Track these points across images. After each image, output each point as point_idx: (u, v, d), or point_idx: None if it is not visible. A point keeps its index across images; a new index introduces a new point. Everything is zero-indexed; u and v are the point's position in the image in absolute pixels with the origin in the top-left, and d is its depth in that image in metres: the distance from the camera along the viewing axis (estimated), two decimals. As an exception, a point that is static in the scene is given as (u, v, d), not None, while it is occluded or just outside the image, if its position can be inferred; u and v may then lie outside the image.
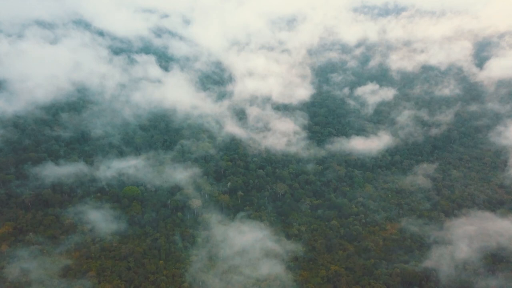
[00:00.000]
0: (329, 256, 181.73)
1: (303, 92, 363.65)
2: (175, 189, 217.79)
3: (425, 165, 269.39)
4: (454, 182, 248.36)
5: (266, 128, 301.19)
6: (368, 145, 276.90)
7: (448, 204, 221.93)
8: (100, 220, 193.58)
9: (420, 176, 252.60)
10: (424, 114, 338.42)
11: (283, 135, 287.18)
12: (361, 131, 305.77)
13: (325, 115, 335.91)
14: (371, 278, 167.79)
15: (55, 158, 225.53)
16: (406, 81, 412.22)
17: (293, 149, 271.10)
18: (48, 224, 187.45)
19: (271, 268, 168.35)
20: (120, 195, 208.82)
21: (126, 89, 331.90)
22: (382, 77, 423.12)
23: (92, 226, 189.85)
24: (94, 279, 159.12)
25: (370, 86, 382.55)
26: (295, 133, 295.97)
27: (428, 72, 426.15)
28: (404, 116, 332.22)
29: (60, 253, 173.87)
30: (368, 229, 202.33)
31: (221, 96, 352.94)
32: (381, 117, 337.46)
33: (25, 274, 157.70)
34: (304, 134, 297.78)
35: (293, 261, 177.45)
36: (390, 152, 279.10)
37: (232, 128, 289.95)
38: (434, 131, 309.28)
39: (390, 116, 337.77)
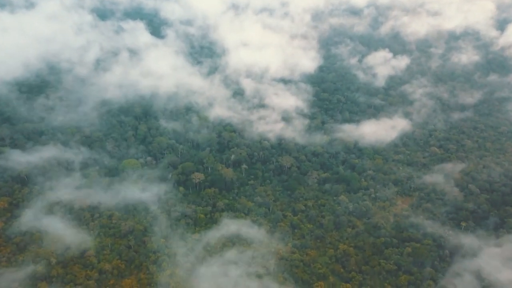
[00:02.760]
0: (337, 234, 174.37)
1: (307, 62, 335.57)
2: (177, 162, 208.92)
3: (437, 134, 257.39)
4: (468, 153, 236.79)
5: (266, 106, 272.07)
6: (379, 134, 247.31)
7: (462, 177, 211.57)
8: (99, 194, 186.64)
9: (433, 148, 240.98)
10: (442, 92, 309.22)
11: (285, 120, 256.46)
12: (371, 112, 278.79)
13: (334, 81, 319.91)
14: (381, 258, 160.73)
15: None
16: (420, 47, 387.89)
17: (291, 135, 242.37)
18: (46, 199, 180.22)
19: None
20: (120, 169, 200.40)
21: (107, 65, 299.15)
22: (393, 39, 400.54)
23: (90, 201, 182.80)
24: (93, 258, 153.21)
25: (381, 53, 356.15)
26: (298, 112, 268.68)
27: (444, 38, 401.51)
28: (419, 93, 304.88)
29: (58, 230, 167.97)
30: (378, 205, 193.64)
31: (214, 70, 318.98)
32: (393, 94, 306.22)
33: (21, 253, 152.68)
34: (308, 109, 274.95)
35: (300, 239, 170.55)
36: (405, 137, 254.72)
37: (226, 109, 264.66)
38: (456, 116, 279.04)
39: (403, 93, 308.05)
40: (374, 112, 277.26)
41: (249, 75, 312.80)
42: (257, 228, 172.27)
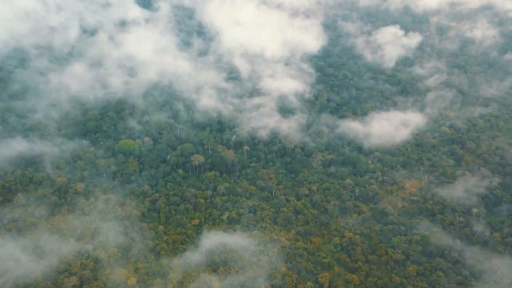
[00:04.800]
0: (343, 220, 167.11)
1: (310, 42, 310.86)
2: (175, 142, 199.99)
3: (447, 112, 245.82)
4: (480, 134, 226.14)
5: (262, 93, 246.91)
6: (390, 131, 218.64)
7: (474, 159, 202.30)
8: (95, 177, 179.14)
9: (443, 127, 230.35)
10: (460, 81, 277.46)
11: (283, 111, 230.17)
12: (378, 88, 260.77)
13: (340, 55, 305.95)
14: (388, 246, 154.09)
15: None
16: (432, 22, 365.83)
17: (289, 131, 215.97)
18: (39, 182, 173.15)
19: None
20: (116, 150, 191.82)
21: (88, 46, 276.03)
22: (403, 13, 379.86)
23: (86, 184, 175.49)
24: (88, 246, 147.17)
25: (391, 29, 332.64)
26: (299, 96, 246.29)
27: (458, 11, 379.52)
28: (433, 80, 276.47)
29: (52, 215, 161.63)
30: (385, 189, 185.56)
31: (204, 52, 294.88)
32: (404, 74, 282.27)
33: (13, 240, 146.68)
34: (311, 91, 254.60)
35: (304, 225, 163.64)
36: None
37: (216, 97, 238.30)
38: (477, 112, 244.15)
39: (415, 75, 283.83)
40: (382, 90, 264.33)
41: (244, 57, 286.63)
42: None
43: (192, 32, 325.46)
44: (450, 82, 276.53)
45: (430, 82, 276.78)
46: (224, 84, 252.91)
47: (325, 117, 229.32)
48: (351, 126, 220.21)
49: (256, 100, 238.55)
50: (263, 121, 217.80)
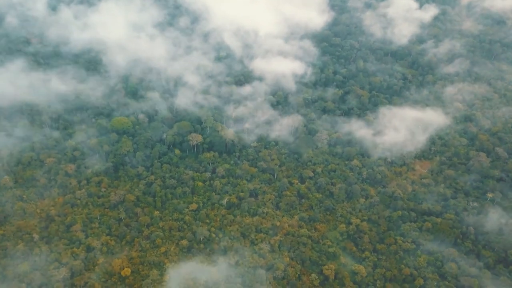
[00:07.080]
0: (349, 205, 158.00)
1: (313, 17, 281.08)
2: (171, 120, 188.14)
3: (460, 87, 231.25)
4: (495, 110, 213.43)
5: (258, 77, 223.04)
6: (403, 138, 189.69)
7: (488, 138, 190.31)
8: (86, 158, 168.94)
9: (456, 103, 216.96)
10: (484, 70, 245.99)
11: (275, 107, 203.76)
12: (389, 76, 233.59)
13: (346, 24, 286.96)
14: (397, 234, 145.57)
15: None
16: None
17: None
18: (27, 163, 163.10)
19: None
20: (108, 128, 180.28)
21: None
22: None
23: (77, 165, 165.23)
24: (80, 233, 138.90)
25: (403, 1, 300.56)
26: (297, 80, 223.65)
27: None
28: (453, 67, 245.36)
29: (41, 198, 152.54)
30: (394, 170, 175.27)
31: (189, 32, 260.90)
32: (416, 51, 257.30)
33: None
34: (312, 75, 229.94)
35: (308, 210, 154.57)
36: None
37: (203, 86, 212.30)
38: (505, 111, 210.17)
39: (431, 55, 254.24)
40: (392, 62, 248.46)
41: (237, 36, 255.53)
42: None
43: (174, 8, 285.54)
44: (468, 67, 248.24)
45: (449, 67, 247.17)
46: (217, 69, 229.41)
47: (332, 91, 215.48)
48: (360, 133, 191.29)
49: (248, 88, 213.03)
50: (258, 117, 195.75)
